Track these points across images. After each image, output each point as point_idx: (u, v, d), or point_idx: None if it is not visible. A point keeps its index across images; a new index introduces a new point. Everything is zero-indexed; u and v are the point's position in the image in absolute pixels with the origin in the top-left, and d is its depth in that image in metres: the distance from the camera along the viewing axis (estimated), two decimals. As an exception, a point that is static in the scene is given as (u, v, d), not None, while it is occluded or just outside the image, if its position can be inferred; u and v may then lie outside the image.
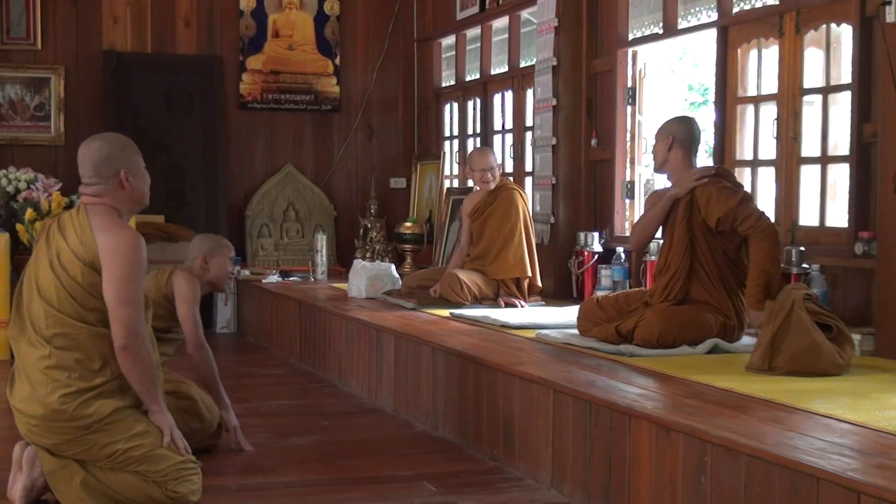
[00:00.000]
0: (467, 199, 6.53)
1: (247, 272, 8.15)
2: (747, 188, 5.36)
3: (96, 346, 3.49)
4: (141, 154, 3.74)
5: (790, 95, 5.08)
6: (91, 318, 3.49)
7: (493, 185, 6.28)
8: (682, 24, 5.94)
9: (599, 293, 5.39)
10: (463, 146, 8.46)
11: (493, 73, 8.03)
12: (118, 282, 3.46)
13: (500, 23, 7.89)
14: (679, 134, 4.58)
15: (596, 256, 6.33)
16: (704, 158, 4.76)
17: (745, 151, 5.44)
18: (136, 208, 3.71)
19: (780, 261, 4.45)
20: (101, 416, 3.46)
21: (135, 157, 3.68)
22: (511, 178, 7.47)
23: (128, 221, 3.68)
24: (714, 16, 5.61)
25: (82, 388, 3.45)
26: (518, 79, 7.55)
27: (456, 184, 8.44)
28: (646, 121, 6.46)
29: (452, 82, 8.70)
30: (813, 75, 5.04)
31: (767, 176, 5.29)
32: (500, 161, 6.68)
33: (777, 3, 5.17)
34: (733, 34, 5.45)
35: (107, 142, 3.67)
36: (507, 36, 7.79)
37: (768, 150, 5.27)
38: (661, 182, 5.06)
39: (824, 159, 4.95)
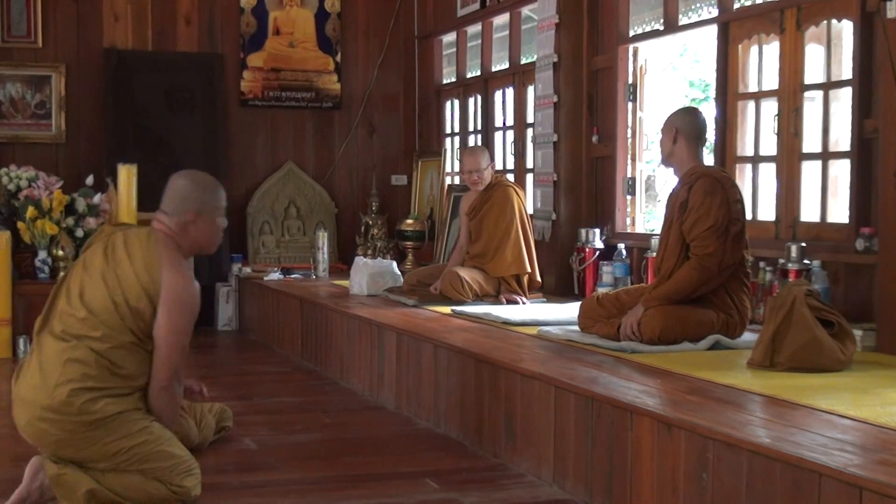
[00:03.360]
0: (464, 198, 6.52)
1: (248, 270, 8.16)
2: (748, 185, 5.38)
3: (120, 355, 3.50)
4: (224, 203, 3.74)
5: (791, 91, 5.08)
6: (124, 331, 3.51)
7: (481, 187, 6.26)
8: (682, 21, 5.94)
9: (601, 290, 5.39)
10: (464, 143, 8.45)
11: (493, 69, 8.02)
12: (175, 329, 3.53)
13: (501, 19, 7.89)
14: (683, 126, 4.54)
15: (597, 253, 6.32)
16: (705, 155, 4.73)
17: (746, 148, 5.44)
18: (196, 253, 3.71)
19: (703, 290, 4.40)
20: (106, 415, 3.44)
21: (214, 203, 3.69)
22: (512, 175, 7.49)
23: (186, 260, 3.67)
24: (715, 12, 5.61)
25: (93, 388, 3.44)
26: (519, 75, 7.55)
27: (457, 181, 8.43)
28: (647, 117, 6.45)
29: (453, 79, 8.70)
30: (814, 71, 5.03)
31: (768, 172, 5.28)
32: (493, 159, 6.65)
33: (778, -1, 5.17)
34: (734, 30, 5.45)
35: (192, 180, 3.70)
36: (507, 33, 7.78)
37: (769, 146, 5.26)
38: (664, 179, 5.04)
39: (825, 155, 4.95)
